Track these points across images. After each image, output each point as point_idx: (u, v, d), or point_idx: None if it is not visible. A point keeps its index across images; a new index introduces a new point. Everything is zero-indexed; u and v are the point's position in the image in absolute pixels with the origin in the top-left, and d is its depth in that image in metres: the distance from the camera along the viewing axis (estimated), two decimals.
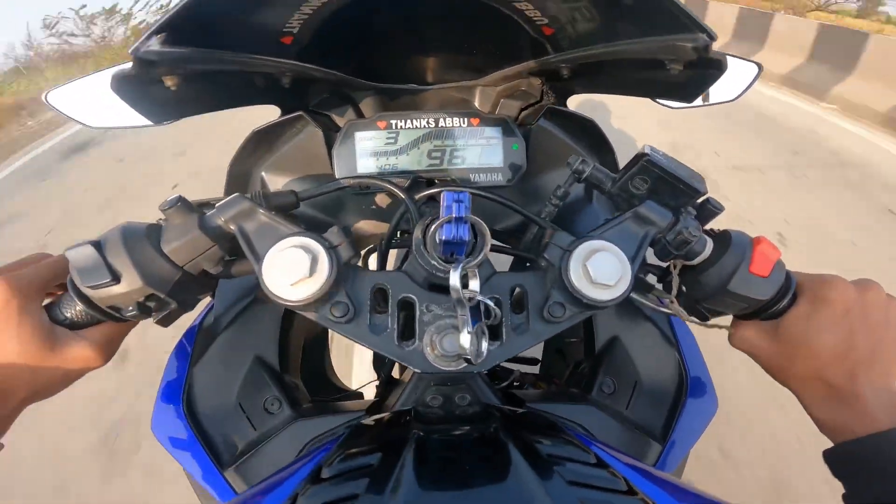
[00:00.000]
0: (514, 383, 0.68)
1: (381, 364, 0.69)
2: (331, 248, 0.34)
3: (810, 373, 0.39)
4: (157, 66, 0.36)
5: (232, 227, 0.36)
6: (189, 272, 0.37)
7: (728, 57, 0.60)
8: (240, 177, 0.59)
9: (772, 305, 0.40)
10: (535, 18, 0.47)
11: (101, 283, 0.34)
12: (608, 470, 0.30)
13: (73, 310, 0.37)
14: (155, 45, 0.33)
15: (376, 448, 0.32)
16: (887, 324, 0.38)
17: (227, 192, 0.58)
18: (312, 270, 0.33)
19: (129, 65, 0.34)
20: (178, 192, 0.38)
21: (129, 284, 0.35)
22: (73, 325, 0.38)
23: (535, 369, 0.80)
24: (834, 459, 0.37)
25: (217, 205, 0.37)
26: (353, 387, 0.79)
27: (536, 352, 0.79)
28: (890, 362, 0.38)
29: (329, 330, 0.72)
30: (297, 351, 0.59)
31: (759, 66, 0.63)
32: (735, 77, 0.61)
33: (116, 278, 0.34)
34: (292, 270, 0.33)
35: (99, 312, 0.37)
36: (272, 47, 0.47)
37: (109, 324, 0.39)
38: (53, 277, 0.38)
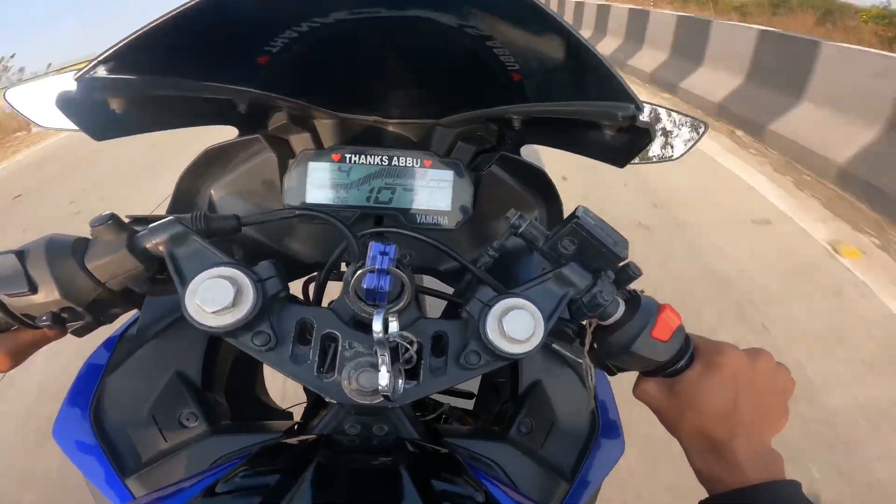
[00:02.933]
0: (443, 416, 0.70)
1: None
2: (258, 282, 0.36)
3: (696, 428, 0.42)
4: (101, 91, 0.36)
5: (161, 250, 0.37)
6: (111, 289, 0.37)
7: (676, 113, 0.66)
8: (187, 193, 0.59)
9: (670, 366, 0.44)
10: (508, 64, 0.50)
11: (18, 292, 0.34)
12: None
13: None
14: (102, 72, 0.34)
15: (277, 470, 0.34)
16: (772, 389, 0.43)
17: (173, 205, 0.58)
18: (236, 301, 0.34)
19: (74, 87, 0.35)
20: None
21: (46, 296, 0.35)
22: None
23: (471, 404, 0.82)
24: None
25: (150, 226, 0.38)
26: (285, 405, 0.78)
27: (474, 386, 0.81)
28: (768, 423, 0.42)
29: None
30: (224, 369, 0.59)
31: (705, 124, 0.67)
32: (681, 134, 0.66)
33: (34, 288, 0.35)
34: (215, 299, 0.34)
35: (11, 318, 0.37)
36: (240, 69, 0.48)
37: (21, 333, 0.39)
38: None
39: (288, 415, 0.73)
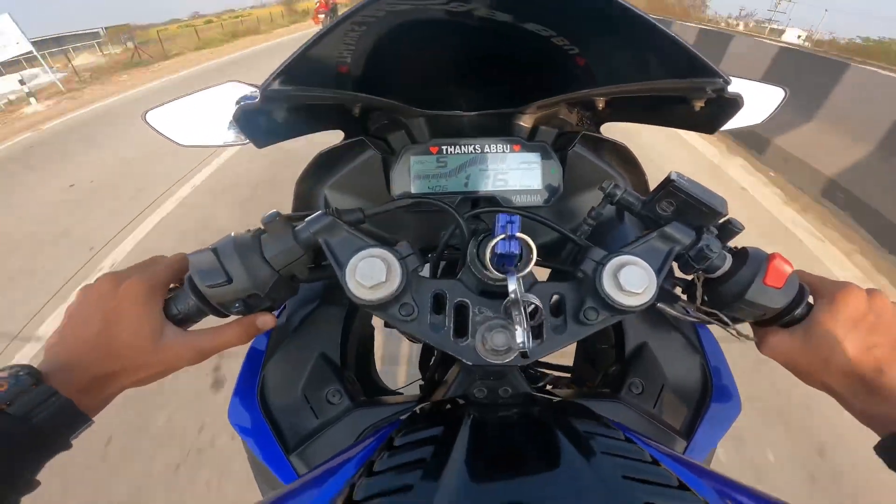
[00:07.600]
0: (548, 385, 0.73)
1: (426, 365, 0.76)
2: (402, 259, 0.41)
3: (841, 370, 0.42)
4: (276, 101, 0.44)
5: (319, 239, 0.44)
6: (283, 276, 0.45)
7: (755, 83, 0.66)
8: (305, 193, 0.67)
9: (788, 312, 0.44)
10: (567, 48, 0.52)
11: (218, 283, 0.42)
12: (636, 447, 0.34)
13: (186, 305, 0.45)
14: (276, 85, 0.42)
15: (436, 424, 0.38)
16: (894, 325, 0.42)
17: (295, 206, 0.66)
18: (388, 277, 0.40)
19: (256, 100, 0.43)
20: None
21: (239, 284, 0.43)
22: (183, 320, 0.46)
23: (568, 377, 0.85)
24: (884, 451, 0.39)
25: (307, 219, 0.45)
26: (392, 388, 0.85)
27: (569, 361, 0.84)
28: None
29: (373, 336, 0.79)
30: (353, 351, 0.66)
31: (786, 90, 0.67)
32: (762, 101, 0.66)
33: (230, 279, 0.42)
34: (371, 276, 0.40)
35: (209, 308, 0.45)
36: (336, 80, 0.54)
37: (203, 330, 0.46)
38: (172, 277, 0.46)
39: (399, 395, 0.80)
